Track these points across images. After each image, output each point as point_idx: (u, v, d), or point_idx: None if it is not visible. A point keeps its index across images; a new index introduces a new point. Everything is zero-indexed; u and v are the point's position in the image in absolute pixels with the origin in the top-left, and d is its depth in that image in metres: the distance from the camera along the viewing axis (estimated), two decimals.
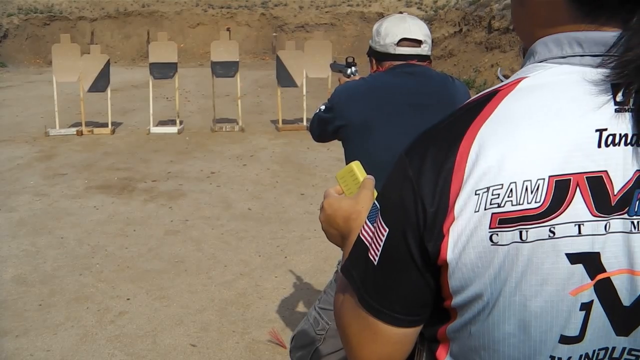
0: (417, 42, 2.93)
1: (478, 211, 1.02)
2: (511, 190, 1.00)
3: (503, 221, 1.01)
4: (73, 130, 11.84)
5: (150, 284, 5.55)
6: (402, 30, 2.94)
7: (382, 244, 1.13)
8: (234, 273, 5.77)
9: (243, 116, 12.29)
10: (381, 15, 25.47)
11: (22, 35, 24.03)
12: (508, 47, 17.77)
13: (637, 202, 1.01)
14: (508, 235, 1.01)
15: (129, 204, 7.78)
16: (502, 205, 1.01)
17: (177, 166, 9.56)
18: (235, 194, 8.17)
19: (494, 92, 1.10)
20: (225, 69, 12.24)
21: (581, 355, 1.09)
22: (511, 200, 1.01)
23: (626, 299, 1.05)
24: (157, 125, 12.20)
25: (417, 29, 2.97)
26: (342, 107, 2.94)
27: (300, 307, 5.14)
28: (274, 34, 25.98)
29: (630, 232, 1.02)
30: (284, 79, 12.29)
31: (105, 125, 12.10)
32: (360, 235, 1.20)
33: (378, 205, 1.17)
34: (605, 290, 1.04)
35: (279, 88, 12.36)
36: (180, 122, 12.24)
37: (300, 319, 4.88)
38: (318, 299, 3.29)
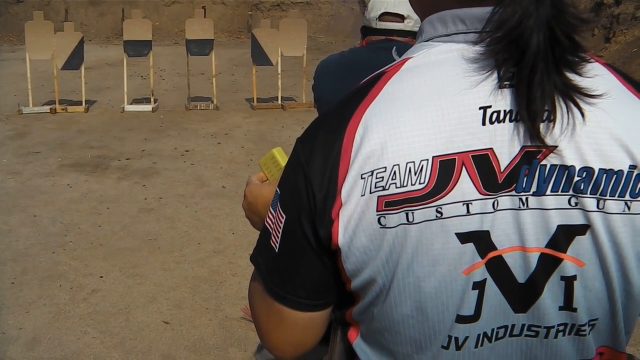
0: (400, 17, 2.85)
1: (364, 195, 1.02)
2: (394, 173, 1.01)
3: (389, 204, 1.01)
4: (47, 108, 11.71)
5: (123, 262, 5.55)
6: (385, 4, 2.87)
7: (281, 231, 1.14)
8: (208, 251, 5.77)
9: (218, 94, 12.23)
10: None
11: None
12: None
13: (525, 179, 1.02)
14: (395, 218, 1.02)
15: (102, 182, 7.74)
16: (386, 187, 1.01)
17: (151, 144, 9.51)
18: (210, 172, 8.15)
19: (381, 74, 1.11)
20: (200, 47, 12.15)
21: (479, 335, 1.10)
22: (395, 183, 1.01)
23: (520, 276, 1.06)
24: (131, 104, 12.09)
25: (402, 3, 2.92)
26: (318, 82, 2.92)
27: None
28: (250, 12, 25.80)
29: (519, 209, 1.02)
30: (259, 57, 12.21)
31: (79, 103, 11.97)
32: (265, 221, 1.20)
33: (278, 192, 1.17)
34: (498, 268, 1.05)
35: (254, 66, 12.29)
36: (155, 101, 12.14)
37: None
38: None
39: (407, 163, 1.00)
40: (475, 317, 1.08)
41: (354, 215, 1.04)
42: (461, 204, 1.01)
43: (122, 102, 12.04)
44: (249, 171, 8.11)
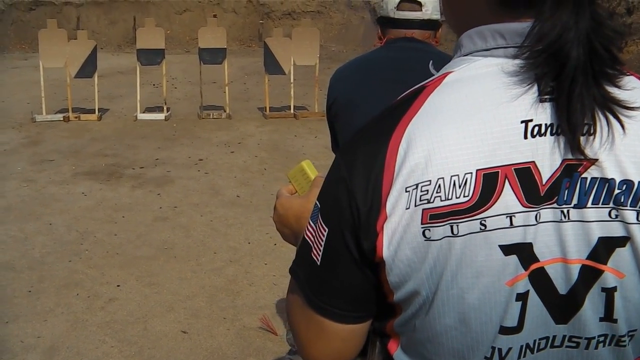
0: (418, 4, 2.83)
1: (409, 208, 1.03)
2: (439, 186, 1.02)
3: (434, 217, 1.02)
4: (60, 116, 11.74)
5: (140, 271, 5.56)
6: None
7: (323, 244, 1.14)
8: (224, 260, 5.78)
9: (230, 103, 12.24)
10: (368, 4, 25.44)
11: (7, 20, 23.80)
12: None
13: (566, 192, 1.03)
14: (439, 230, 1.03)
15: (117, 191, 7.76)
16: (431, 200, 1.02)
17: (164, 153, 9.53)
18: (224, 180, 8.16)
19: (422, 88, 1.11)
20: (212, 56, 12.17)
21: (522, 346, 1.10)
22: (440, 196, 1.02)
23: (562, 287, 1.06)
24: (144, 112, 12.12)
25: None
26: (333, 84, 2.91)
27: None
28: (261, 21, 25.85)
29: (561, 221, 1.03)
30: (272, 66, 12.22)
31: (92, 111, 12.00)
32: (304, 235, 1.21)
33: (318, 205, 1.17)
34: (540, 279, 1.06)
35: (267, 75, 12.30)
36: (168, 109, 12.17)
37: None
38: None
39: (451, 176, 1.02)
40: (518, 328, 1.08)
41: (398, 228, 1.05)
42: (504, 216, 1.02)
43: (135, 111, 12.06)
44: (262, 180, 8.13)
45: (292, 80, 12.27)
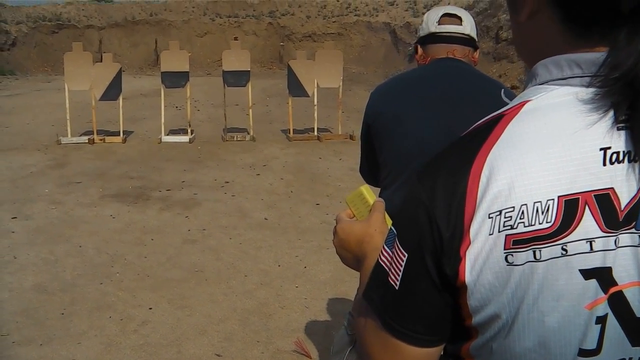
0: (458, 19, 2.90)
1: (492, 234, 1.05)
2: (522, 212, 1.03)
3: (517, 242, 1.04)
4: (85, 138, 11.84)
5: (171, 293, 5.56)
6: (443, 9, 2.95)
7: (402, 269, 1.15)
8: (255, 282, 5.77)
9: (253, 125, 12.30)
10: (388, 25, 25.54)
11: (30, 43, 24.06)
12: (516, 58, 17.78)
13: None
14: (522, 255, 1.04)
15: (144, 213, 7.79)
16: (515, 227, 1.03)
17: (190, 175, 9.57)
18: (251, 203, 8.17)
19: (500, 116, 1.13)
20: (236, 78, 12.25)
21: None
22: (523, 222, 1.03)
23: (638, 310, 1.07)
24: (168, 134, 12.19)
25: (458, 9, 2.97)
26: (374, 104, 2.91)
27: (323, 317, 5.14)
28: (281, 43, 26.01)
29: (638, 246, 1.04)
30: (295, 88, 12.28)
31: (116, 133, 12.09)
32: (379, 260, 1.22)
33: (395, 231, 1.19)
34: (619, 303, 1.06)
35: (290, 97, 12.36)
36: (192, 132, 12.24)
37: (323, 329, 4.91)
38: (353, 305, 3.29)
39: (534, 203, 1.03)
40: (597, 350, 1.08)
41: (481, 253, 1.06)
42: (585, 241, 1.04)
43: (159, 133, 12.14)
44: (289, 203, 8.14)
45: (315, 103, 12.31)
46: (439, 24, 2.90)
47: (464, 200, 1.07)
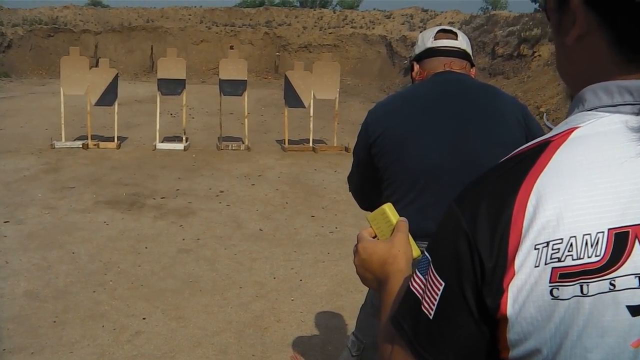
0: (454, 34, 2.91)
1: (538, 266, 1.01)
2: (571, 245, 0.99)
3: (564, 275, 1.00)
4: (79, 143, 11.78)
5: (165, 304, 5.49)
6: (437, 27, 2.98)
7: (437, 298, 1.11)
8: (250, 295, 5.71)
9: (248, 135, 12.26)
10: (384, 38, 25.59)
11: (25, 46, 24.01)
12: (512, 74, 17.86)
13: None
14: (569, 290, 1.00)
15: (139, 221, 7.72)
16: (562, 259, 0.99)
17: (185, 183, 9.51)
18: (246, 213, 8.12)
19: (547, 142, 1.09)
20: (233, 88, 12.22)
21: None
22: (571, 255, 0.99)
23: None
24: (162, 142, 12.14)
25: (451, 27, 3.01)
26: (377, 122, 2.85)
27: (320, 332, 5.08)
28: (277, 53, 26.02)
29: None
30: (292, 99, 12.26)
31: (110, 139, 12.04)
32: (411, 286, 1.18)
33: (429, 257, 1.15)
34: None
35: (286, 108, 12.33)
36: (187, 139, 12.19)
37: (319, 344, 4.87)
38: (356, 324, 3.23)
39: (583, 235, 0.99)
40: None
41: (525, 286, 1.02)
42: (633, 276, 0.99)
43: (153, 140, 12.10)
44: (284, 214, 8.09)
45: (311, 114, 12.28)
46: (435, 39, 2.89)
47: (508, 229, 1.03)
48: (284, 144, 12.30)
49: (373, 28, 27.60)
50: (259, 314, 5.35)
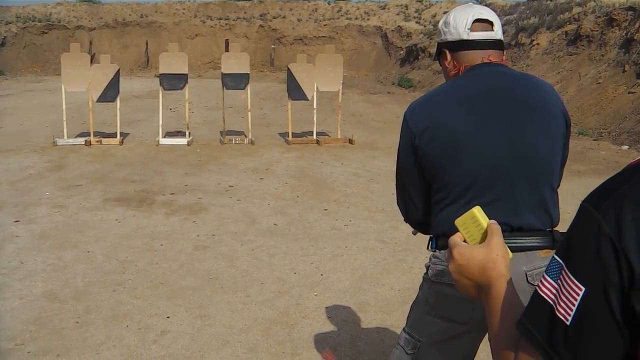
0: (490, 24, 2.73)
1: None
2: None
3: None
4: (81, 140, 11.70)
5: (188, 302, 5.41)
6: (472, 13, 2.74)
7: (577, 303, 1.08)
8: (272, 291, 5.63)
9: (250, 129, 12.19)
10: (379, 29, 25.51)
11: (19, 43, 23.86)
12: (510, 63, 17.78)
13: None
14: None
15: (150, 218, 7.64)
16: None
17: (192, 179, 9.44)
18: (258, 208, 8.05)
19: None
20: (235, 81, 12.14)
21: None
22: None
23: None
24: (165, 137, 12.07)
25: (486, 11, 2.81)
26: (420, 123, 2.69)
27: (347, 327, 5.01)
28: (273, 46, 25.93)
29: None
30: (295, 91, 12.20)
31: (113, 135, 11.97)
32: (540, 292, 1.15)
33: (561, 261, 1.12)
34: None
35: (290, 101, 12.27)
36: (190, 134, 12.12)
37: (348, 339, 4.80)
38: (406, 320, 3.13)
39: None
40: None
41: None
42: None
43: (155, 135, 12.04)
44: (297, 208, 8.02)
45: (315, 107, 12.22)
46: (471, 31, 2.74)
47: None
48: (288, 137, 12.24)
49: (368, 19, 27.55)
50: (283, 311, 5.27)
